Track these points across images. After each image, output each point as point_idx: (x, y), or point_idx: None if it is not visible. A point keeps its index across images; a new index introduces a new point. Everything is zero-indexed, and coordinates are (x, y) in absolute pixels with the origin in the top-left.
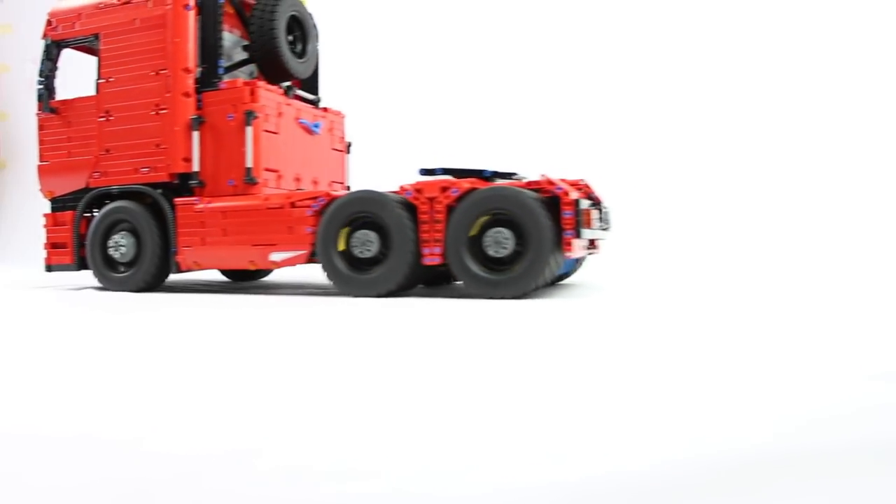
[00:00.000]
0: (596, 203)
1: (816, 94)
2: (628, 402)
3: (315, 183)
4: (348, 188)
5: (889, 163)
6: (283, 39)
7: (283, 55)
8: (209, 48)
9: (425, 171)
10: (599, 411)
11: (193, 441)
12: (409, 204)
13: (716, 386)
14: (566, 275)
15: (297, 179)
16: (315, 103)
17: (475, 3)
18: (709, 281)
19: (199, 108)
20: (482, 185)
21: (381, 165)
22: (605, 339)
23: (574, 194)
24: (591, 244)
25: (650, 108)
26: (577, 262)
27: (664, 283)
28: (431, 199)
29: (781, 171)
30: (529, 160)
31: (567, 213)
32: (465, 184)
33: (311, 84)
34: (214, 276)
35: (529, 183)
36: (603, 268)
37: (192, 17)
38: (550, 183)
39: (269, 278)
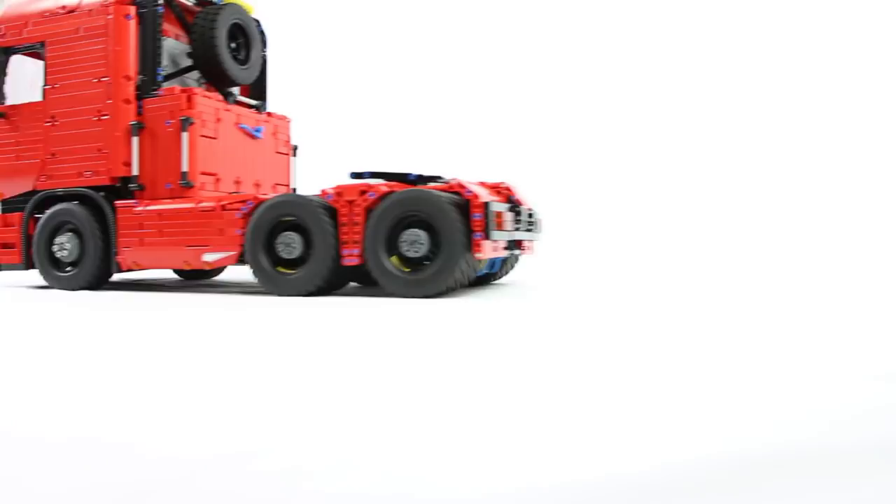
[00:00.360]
0: (516, 206)
1: (749, 89)
2: (613, 404)
3: (257, 185)
4: (294, 190)
5: (833, 158)
6: (223, 47)
7: (224, 62)
8: (149, 57)
9: (355, 175)
10: (581, 413)
11: (186, 444)
12: (329, 207)
13: (700, 388)
14: (493, 275)
15: (238, 182)
16: (258, 108)
17: (431, 8)
18: (649, 282)
19: (139, 114)
20: (399, 188)
21: (332, 168)
22: (563, 338)
23: (485, 197)
24: (518, 245)
25: (602, 113)
26: (507, 262)
27: (609, 283)
28: (350, 202)
29: (736, 171)
30: (478, 163)
31: (476, 216)
32: (383, 187)
33: (258, 89)
34: (169, 274)
35: (443, 186)
36: (543, 268)
37: (132, 26)
38: (461, 186)
39: (221, 276)
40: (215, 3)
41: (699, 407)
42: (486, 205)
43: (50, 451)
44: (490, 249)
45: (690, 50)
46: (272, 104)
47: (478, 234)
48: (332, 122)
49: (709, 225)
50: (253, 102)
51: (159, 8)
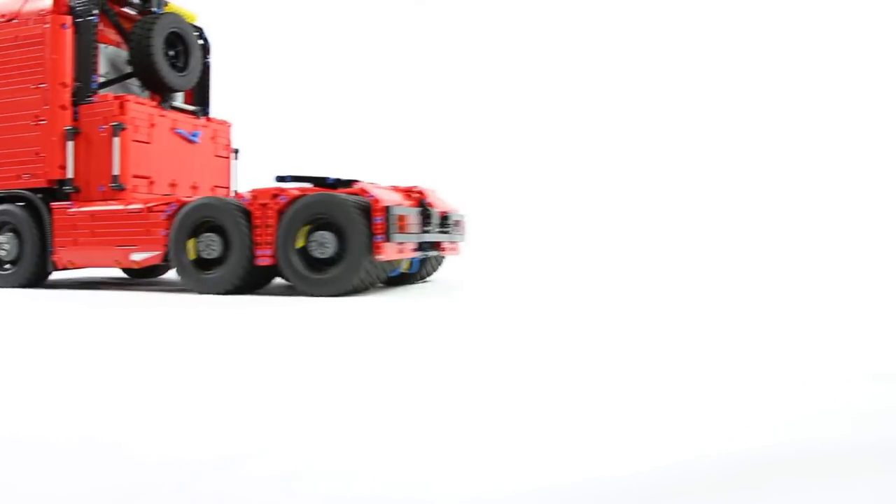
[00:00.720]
0: (427, 209)
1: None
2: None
3: (195, 188)
4: (235, 193)
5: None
6: (160, 55)
7: (161, 70)
8: (84, 65)
9: (279, 178)
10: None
11: (176, 446)
12: (245, 209)
13: (699, 388)
14: (414, 274)
15: (173, 185)
16: (197, 113)
17: (371, 21)
18: (584, 283)
19: (75, 119)
20: (309, 192)
21: (280, 170)
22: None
23: (386, 201)
24: (436, 246)
25: (546, 118)
26: (427, 262)
27: (540, 282)
28: (264, 205)
29: (673, 175)
30: (417, 166)
31: (377, 219)
32: (294, 191)
33: (201, 95)
34: (116, 273)
35: (349, 190)
36: (476, 268)
37: (68, 36)
38: (363, 191)
39: (165, 275)
40: (154, 12)
41: (699, 407)
42: (387, 209)
43: (35, 454)
44: (394, 251)
45: (616, 47)
46: (226, 109)
47: (379, 236)
48: (284, 125)
49: (675, 223)
50: (191, 108)
51: (94, 18)
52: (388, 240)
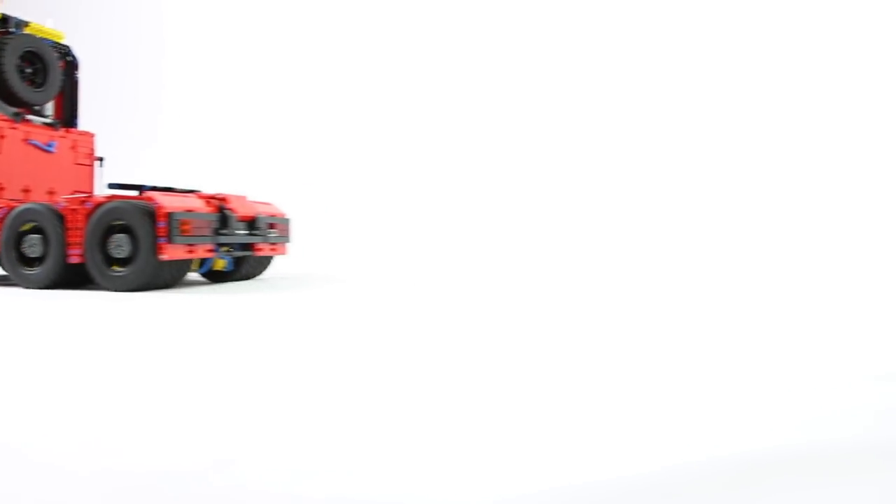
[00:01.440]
0: (225, 214)
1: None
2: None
3: (51, 193)
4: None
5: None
6: (11, 73)
7: (13, 86)
8: None
9: (111, 185)
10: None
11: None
12: (60, 214)
13: (697, 388)
14: (231, 272)
15: (27, 191)
16: (54, 125)
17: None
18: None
19: None
20: (112, 199)
21: (148, 177)
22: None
23: (169, 207)
24: (250, 247)
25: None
26: (246, 261)
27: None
28: (74, 210)
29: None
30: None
31: (161, 224)
32: (99, 198)
33: (69, 108)
34: None
35: (141, 197)
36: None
37: None
38: (149, 198)
39: None
40: (13, 33)
41: (699, 408)
42: (169, 214)
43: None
44: (179, 252)
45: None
46: (114, 121)
47: (161, 238)
48: (170, 136)
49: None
50: (48, 120)
51: None
52: (170, 242)
